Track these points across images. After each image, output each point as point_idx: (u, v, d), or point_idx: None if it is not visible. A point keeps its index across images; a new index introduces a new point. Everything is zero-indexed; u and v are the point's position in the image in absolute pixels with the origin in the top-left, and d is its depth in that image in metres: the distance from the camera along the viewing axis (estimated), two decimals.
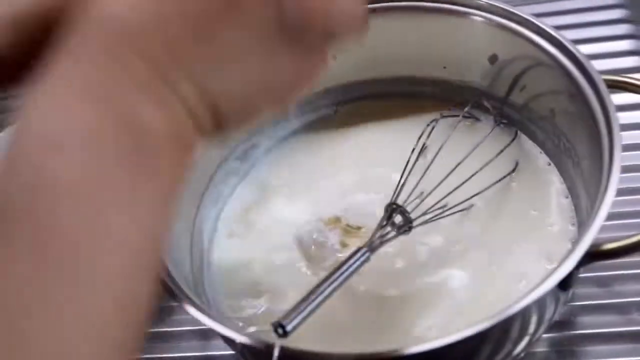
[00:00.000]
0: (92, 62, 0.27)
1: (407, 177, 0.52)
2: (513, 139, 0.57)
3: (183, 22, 0.28)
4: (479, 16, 0.55)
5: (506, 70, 0.57)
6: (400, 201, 0.50)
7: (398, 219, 0.49)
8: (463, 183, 0.51)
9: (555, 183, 0.55)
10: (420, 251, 0.52)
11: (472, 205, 0.53)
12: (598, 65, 0.50)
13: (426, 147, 0.56)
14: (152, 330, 0.57)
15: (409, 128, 0.58)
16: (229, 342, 0.45)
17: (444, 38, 0.58)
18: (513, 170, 0.56)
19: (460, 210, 0.52)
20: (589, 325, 0.53)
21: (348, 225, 0.54)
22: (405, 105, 0.61)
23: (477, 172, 0.52)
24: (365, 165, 0.58)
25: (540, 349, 0.53)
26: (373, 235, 0.46)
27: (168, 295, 0.43)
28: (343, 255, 0.51)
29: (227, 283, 0.53)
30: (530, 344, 0.48)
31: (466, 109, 0.58)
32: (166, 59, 0.28)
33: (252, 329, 0.39)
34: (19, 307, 0.23)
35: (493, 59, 0.57)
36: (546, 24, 0.52)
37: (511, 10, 0.53)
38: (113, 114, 0.26)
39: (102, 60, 0.27)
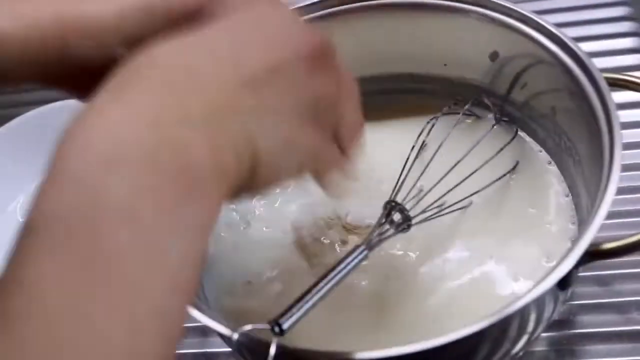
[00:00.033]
0: (146, 94, 0.28)
1: (406, 175, 0.52)
2: (513, 137, 0.57)
3: (238, 75, 0.31)
4: (479, 13, 0.55)
5: (507, 68, 0.57)
6: (399, 199, 0.50)
7: (397, 216, 0.49)
8: (462, 181, 0.51)
9: (556, 181, 0.55)
10: (418, 249, 0.52)
11: (471, 203, 0.53)
12: (601, 63, 0.50)
13: (426, 144, 0.56)
14: None
15: (409, 125, 0.58)
16: (226, 339, 0.45)
17: (444, 35, 0.58)
18: (513, 169, 0.56)
19: (460, 208, 0.52)
20: (588, 324, 0.53)
21: (347, 223, 0.54)
22: (405, 103, 0.61)
23: (476, 170, 0.52)
24: (365, 162, 0.58)
25: (539, 348, 0.53)
26: (371, 233, 0.46)
27: None
28: (341, 253, 0.51)
29: (225, 279, 0.53)
30: (529, 343, 0.48)
31: (466, 106, 0.58)
32: (223, 101, 0.30)
33: (248, 327, 0.39)
34: (65, 319, 0.24)
35: (494, 56, 0.57)
36: (547, 21, 0.52)
37: (512, 7, 0.53)
38: (167, 140, 0.27)
39: (160, 91, 0.28)
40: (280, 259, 0.53)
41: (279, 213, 0.57)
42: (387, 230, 0.48)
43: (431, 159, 0.53)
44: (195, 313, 0.41)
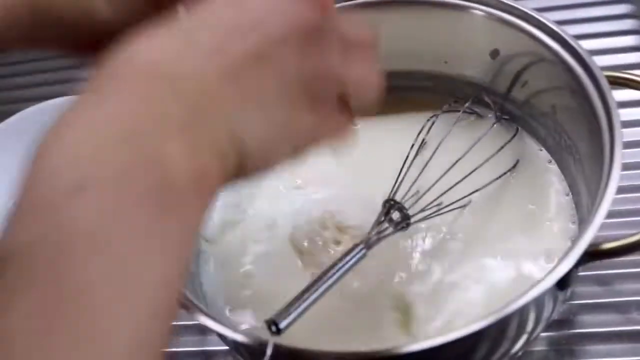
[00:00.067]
0: (122, 101, 0.27)
1: (405, 173, 0.52)
2: (514, 136, 0.57)
3: (219, 67, 0.29)
4: (480, 10, 0.54)
5: (508, 66, 0.56)
6: (398, 197, 0.49)
7: (396, 215, 0.49)
8: (462, 179, 0.51)
9: (556, 180, 0.55)
10: (417, 248, 0.52)
11: (470, 202, 0.53)
12: (602, 61, 0.49)
13: (426, 142, 0.56)
14: None
15: (409, 123, 0.58)
16: (224, 338, 0.45)
17: (445, 32, 0.57)
18: (513, 167, 0.55)
19: (459, 207, 0.52)
20: (588, 324, 0.53)
21: (342, 223, 0.54)
22: (405, 100, 0.61)
23: (476, 168, 0.52)
24: (363, 161, 0.58)
25: (539, 347, 0.52)
26: (370, 231, 0.46)
27: None
28: (336, 252, 0.51)
29: (222, 278, 0.53)
30: (528, 342, 0.48)
31: (467, 104, 0.58)
32: (202, 99, 0.28)
33: (245, 326, 0.39)
34: (32, 353, 0.23)
35: (494, 53, 0.56)
36: (548, 18, 0.51)
37: (513, 4, 0.53)
38: (138, 156, 0.26)
39: (134, 98, 0.27)
40: (275, 258, 0.53)
41: (274, 211, 0.56)
42: (386, 229, 0.48)
43: (431, 157, 0.53)
44: (193, 312, 0.41)
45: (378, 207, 0.49)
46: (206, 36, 0.30)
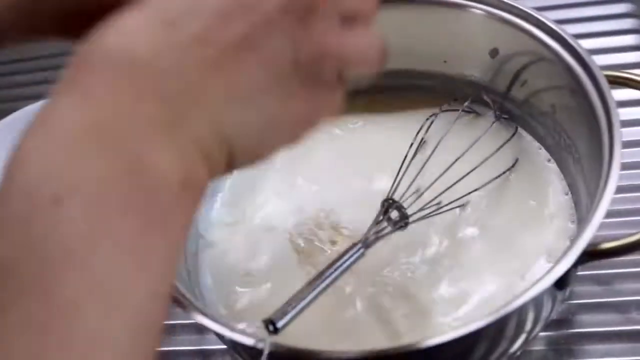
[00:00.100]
0: (100, 102, 0.25)
1: (404, 172, 0.52)
2: (513, 135, 0.57)
3: (200, 59, 0.27)
4: (480, 9, 0.54)
5: (507, 65, 0.56)
6: (397, 196, 0.49)
7: (394, 214, 0.48)
8: (461, 178, 0.51)
9: (555, 180, 0.55)
10: (414, 247, 0.51)
11: (469, 202, 0.53)
12: (602, 60, 0.49)
13: (425, 141, 0.56)
14: None
15: (408, 122, 0.58)
16: (221, 337, 0.45)
17: (444, 31, 0.57)
18: (512, 166, 0.55)
19: (458, 207, 0.52)
20: (587, 323, 0.53)
21: (337, 222, 0.53)
22: (404, 99, 0.61)
23: (476, 167, 0.52)
24: (362, 160, 0.58)
25: (538, 347, 0.52)
26: (368, 230, 0.46)
27: None
28: (332, 252, 0.51)
29: (219, 277, 0.53)
30: (527, 342, 0.47)
31: (466, 103, 0.57)
32: (183, 97, 0.27)
33: (243, 325, 0.39)
34: None
35: (494, 52, 0.56)
36: (548, 18, 0.51)
37: (512, 4, 0.53)
38: (122, 161, 0.25)
39: (111, 100, 0.25)
40: (272, 257, 0.53)
41: (271, 209, 0.56)
42: (384, 228, 0.47)
43: (430, 157, 0.53)
44: (190, 312, 0.41)
45: (376, 206, 0.49)
46: (187, 23, 0.27)
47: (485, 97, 0.58)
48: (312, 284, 0.40)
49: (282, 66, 0.29)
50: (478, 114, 0.59)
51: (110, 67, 0.26)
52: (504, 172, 0.54)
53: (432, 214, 0.50)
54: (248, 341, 0.39)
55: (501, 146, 0.54)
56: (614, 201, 0.41)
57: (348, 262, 0.43)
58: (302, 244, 0.53)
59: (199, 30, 0.27)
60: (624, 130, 0.45)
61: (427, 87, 0.61)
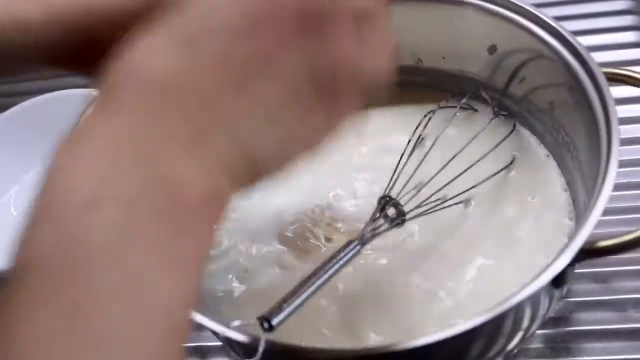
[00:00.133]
0: (130, 119, 0.27)
1: (402, 169, 0.52)
2: (511, 131, 0.56)
3: (220, 77, 0.28)
4: (478, 6, 0.54)
5: (506, 62, 0.56)
6: (394, 193, 0.49)
7: (391, 211, 0.48)
8: (459, 175, 0.51)
9: (554, 177, 0.54)
10: (412, 245, 0.51)
11: (466, 199, 0.52)
12: (602, 57, 0.49)
13: (422, 138, 0.56)
14: None
15: (406, 119, 0.57)
16: (216, 335, 0.44)
17: (443, 28, 0.57)
18: (511, 163, 0.55)
19: (456, 203, 0.52)
20: (585, 321, 0.53)
21: (333, 218, 0.53)
22: (402, 96, 0.60)
23: (473, 164, 0.51)
24: (359, 157, 0.57)
25: (535, 345, 0.52)
26: (365, 228, 0.46)
27: None
28: (328, 249, 0.50)
29: (215, 274, 0.53)
30: (524, 340, 0.47)
31: (464, 99, 0.57)
32: (205, 115, 0.28)
33: (238, 323, 0.38)
34: None
35: (492, 49, 0.56)
36: (546, 14, 0.51)
37: (511, 0, 0.53)
38: (151, 176, 0.26)
39: (140, 118, 0.27)
40: (267, 253, 0.53)
41: (267, 205, 0.56)
42: (381, 225, 0.47)
43: (427, 153, 0.52)
44: None
45: (373, 202, 0.49)
46: (206, 42, 0.28)
47: (483, 94, 0.57)
48: (307, 281, 0.40)
49: (300, 82, 0.30)
50: (476, 111, 0.59)
51: (136, 87, 0.27)
52: (502, 169, 0.54)
53: (429, 211, 0.50)
54: (243, 339, 0.39)
55: (499, 143, 0.54)
56: (611, 199, 0.41)
57: (344, 260, 0.43)
58: (298, 241, 0.52)
59: (217, 48, 0.28)
60: (622, 127, 0.45)
61: (425, 83, 0.61)
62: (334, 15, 0.30)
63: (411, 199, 0.49)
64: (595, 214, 0.40)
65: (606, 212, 0.41)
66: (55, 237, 0.24)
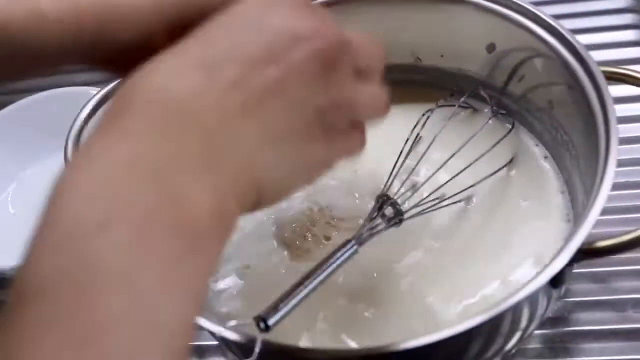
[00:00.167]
0: (144, 139, 0.27)
1: (399, 168, 0.51)
2: (510, 130, 0.56)
3: (236, 102, 0.29)
4: (477, 4, 0.54)
5: (504, 60, 0.56)
6: (392, 192, 0.49)
7: (389, 210, 0.48)
8: (457, 174, 0.51)
9: (552, 176, 0.54)
10: (410, 244, 0.51)
11: (465, 198, 0.52)
12: (601, 55, 0.49)
13: (421, 137, 0.55)
14: None
15: (404, 117, 0.57)
16: (213, 334, 0.44)
17: (441, 26, 0.57)
18: (509, 162, 0.55)
19: (454, 203, 0.51)
20: (583, 322, 0.53)
21: (332, 217, 0.53)
22: (401, 94, 0.60)
23: (472, 163, 0.51)
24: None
25: (533, 345, 0.52)
26: (362, 227, 0.45)
27: None
28: (326, 247, 0.50)
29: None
30: (522, 340, 0.47)
31: (463, 98, 0.57)
32: (218, 138, 0.29)
33: (233, 322, 0.38)
34: None
35: (491, 47, 0.56)
36: (544, 12, 0.51)
37: None
38: (163, 193, 0.26)
39: (154, 138, 0.27)
40: (264, 252, 0.53)
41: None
42: (378, 224, 0.47)
43: (425, 152, 0.52)
44: None
45: (371, 201, 0.49)
46: (224, 68, 0.29)
47: (482, 93, 0.57)
48: (304, 281, 0.40)
49: (307, 112, 0.32)
50: (475, 110, 0.59)
51: (152, 106, 0.28)
52: (500, 168, 0.54)
53: (427, 210, 0.49)
54: (239, 339, 0.39)
55: (498, 142, 0.54)
56: (610, 198, 0.41)
57: (341, 260, 0.43)
58: (296, 240, 0.52)
59: (235, 75, 0.29)
60: (621, 126, 0.44)
61: (423, 82, 0.61)
62: (343, 64, 0.33)
63: (409, 198, 0.49)
64: (594, 214, 0.40)
65: (604, 211, 0.40)
66: (62, 260, 0.24)
